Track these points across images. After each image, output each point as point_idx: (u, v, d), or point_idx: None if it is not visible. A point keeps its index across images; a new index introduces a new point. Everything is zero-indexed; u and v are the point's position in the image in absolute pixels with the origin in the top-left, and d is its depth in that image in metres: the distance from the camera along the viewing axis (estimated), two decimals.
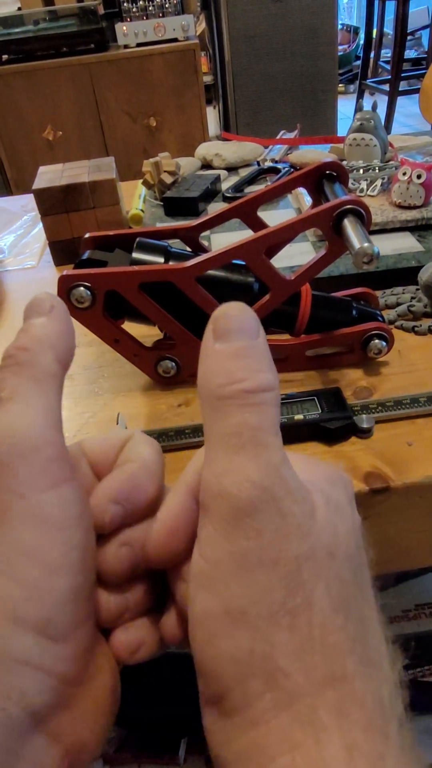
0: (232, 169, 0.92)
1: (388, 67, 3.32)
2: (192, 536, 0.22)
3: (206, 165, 0.94)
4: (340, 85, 3.52)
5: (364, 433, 0.40)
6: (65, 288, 0.42)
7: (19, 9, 2.34)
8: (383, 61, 3.72)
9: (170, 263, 0.44)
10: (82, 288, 0.42)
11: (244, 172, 0.89)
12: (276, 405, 0.21)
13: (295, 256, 0.60)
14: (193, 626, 0.20)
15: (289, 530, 0.19)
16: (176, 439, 0.41)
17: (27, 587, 0.20)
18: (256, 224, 0.49)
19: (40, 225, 0.81)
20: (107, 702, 0.23)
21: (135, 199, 0.81)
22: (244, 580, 0.19)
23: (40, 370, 0.22)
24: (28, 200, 0.96)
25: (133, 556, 0.24)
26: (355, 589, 0.20)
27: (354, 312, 0.47)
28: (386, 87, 3.26)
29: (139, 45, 2.27)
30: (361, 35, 3.75)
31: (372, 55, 3.68)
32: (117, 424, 0.43)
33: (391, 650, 0.21)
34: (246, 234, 0.44)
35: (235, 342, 0.21)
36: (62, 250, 0.72)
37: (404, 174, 0.65)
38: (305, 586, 0.19)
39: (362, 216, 0.42)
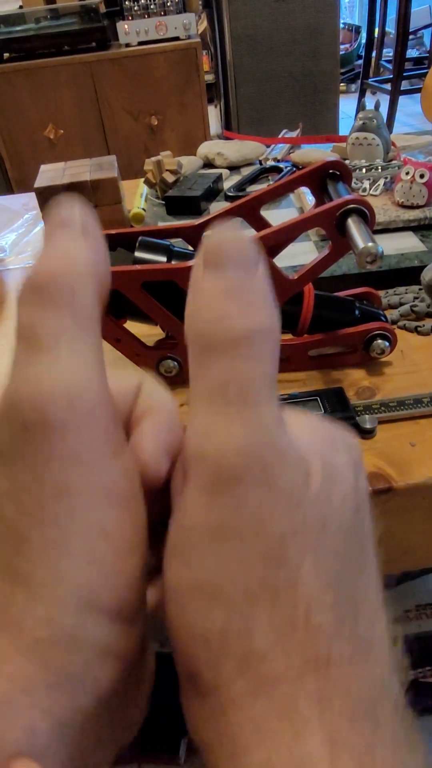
0: (234, 168, 0.91)
1: (390, 66, 3.31)
2: None
3: (208, 164, 0.94)
4: (341, 84, 3.52)
5: (367, 434, 0.40)
6: None
7: (21, 7, 2.33)
8: (385, 61, 3.71)
9: (173, 262, 0.44)
10: None
11: (246, 171, 0.89)
12: (273, 352, 0.17)
13: (298, 256, 0.60)
14: (166, 599, 0.18)
15: (276, 501, 0.17)
16: None
17: (103, 570, 0.17)
18: (259, 224, 0.49)
19: (42, 224, 0.81)
20: (150, 681, 0.21)
21: (137, 198, 0.81)
22: (220, 553, 0.17)
23: (82, 309, 0.18)
24: (30, 199, 0.96)
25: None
26: (347, 562, 0.18)
27: (357, 312, 0.47)
28: (388, 86, 3.26)
29: (140, 43, 2.27)
30: (363, 34, 3.75)
31: (374, 54, 3.67)
32: None
33: (389, 627, 0.18)
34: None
35: (227, 275, 0.17)
36: None
37: (407, 173, 0.65)
38: (290, 563, 0.17)
39: (366, 215, 0.41)
